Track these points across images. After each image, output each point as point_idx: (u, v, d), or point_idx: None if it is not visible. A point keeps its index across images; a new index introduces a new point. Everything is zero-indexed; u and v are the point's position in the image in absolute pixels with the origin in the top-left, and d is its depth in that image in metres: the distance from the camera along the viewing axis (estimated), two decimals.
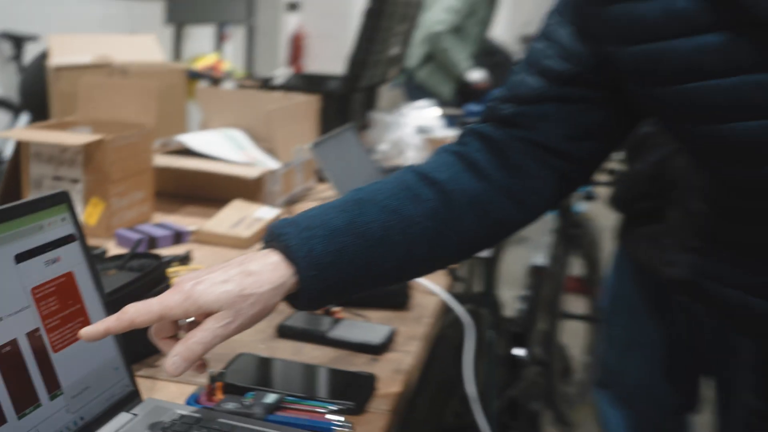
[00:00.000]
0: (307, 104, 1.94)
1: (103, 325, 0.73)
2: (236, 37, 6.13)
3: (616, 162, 1.81)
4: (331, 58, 6.84)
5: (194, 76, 3.45)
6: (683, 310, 1.71)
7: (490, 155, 0.88)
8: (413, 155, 2.12)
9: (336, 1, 7.21)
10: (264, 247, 0.82)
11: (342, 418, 0.83)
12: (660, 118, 0.86)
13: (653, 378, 1.83)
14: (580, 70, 0.85)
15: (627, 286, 1.85)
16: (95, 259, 0.89)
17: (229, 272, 0.76)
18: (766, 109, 0.74)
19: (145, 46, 2.05)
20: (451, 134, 2.37)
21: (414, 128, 2.28)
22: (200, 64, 4.64)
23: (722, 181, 0.88)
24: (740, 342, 1.04)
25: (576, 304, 2.94)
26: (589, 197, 2.57)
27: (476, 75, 4.04)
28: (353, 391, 0.90)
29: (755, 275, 0.88)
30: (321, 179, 1.91)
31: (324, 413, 0.83)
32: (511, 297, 2.49)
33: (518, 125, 0.87)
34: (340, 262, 0.81)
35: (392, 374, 0.98)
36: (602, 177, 1.94)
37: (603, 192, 2.03)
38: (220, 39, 5.57)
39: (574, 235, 2.64)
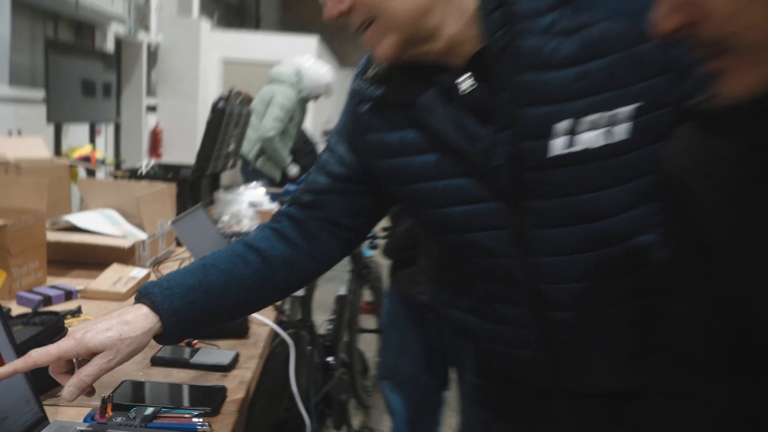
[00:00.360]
0: (167, 189, 1.91)
1: (11, 366, 0.71)
2: (107, 132, 5.80)
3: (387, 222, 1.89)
4: (182, 147, 6.71)
5: (74, 164, 3.25)
6: (434, 323, 1.79)
7: (296, 230, 0.90)
8: (247, 224, 2.11)
9: (185, 104, 7.05)
10: (136, 302, 0.82)
11: (202, 420, 0.83)
12: (402, 204, 0.91)
13: (418, 370, 1.91)
14: (353, 173, 0.89)
15: (397, 307, 1.90)
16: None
17: (110, 322, 0.77)
18: (464, 200, 0.80)
19: (33, 145, 1.93)
20: (274, 207, 2.35)
21: (248, 203, 2.26)
22: (78, 154, 4.35)
23: (440, 242, 0.93)
24: (464, 343, 1.07)
25: (368, 321, 2.97)
26: (374, 246, 2.68)
27: (294, 170, 4.16)
28: (210, 399, 0.90)
29: (467, 300, 0.90)
30: (179, 244, 1.87)
31: (190, 417, 0.84)
32: (323, 320, 2.48)
33: (314, 208, 0.90)
34: (193, 311, 0.83)
35: (238, 385, 0.99)
36: (381, 233, 2.01)
37: (381, 243, 2.11)
38: (94, 133, 5.23)
39: (364, 274, 2.67)
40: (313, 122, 7.21)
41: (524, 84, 0.71)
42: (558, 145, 0.72)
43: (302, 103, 4.17)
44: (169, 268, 1.62)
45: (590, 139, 0.72)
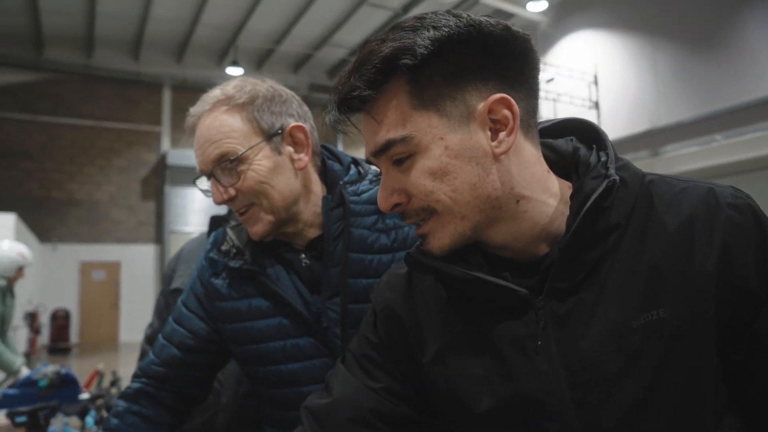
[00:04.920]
0: None
1: None
2: None
3: None
4: None
5: None
6: None
7: (156, 407, 1.05)
8: None
9: None
10: None
11: None
12: (238, 362, 1.05)
13: None
14: (203, 343, 1.04)
15: None
16: None
17: None
18: (300, 357, 0.97)
19: None
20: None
21: None
22: None
23: (273, 400, 1.02)
24: None
25: None
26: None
27: (24, 371, 3.68)
28: None
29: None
30: None
31: None
32: None
33: (168, 382, 1.04)
34: None
35: None
36: None
37: None
38: None
39: None
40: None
41: (353, 261, 0.95)
42: None
43: (6, 290, 3.93)
44: None
45: None
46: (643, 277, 0.64)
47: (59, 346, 10.83)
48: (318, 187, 1.01)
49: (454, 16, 0.65)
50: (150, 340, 1.51)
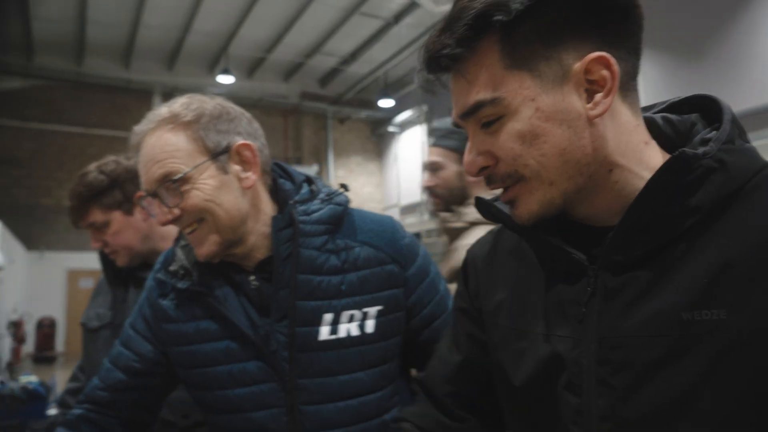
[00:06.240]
0: None
1: None
2: None
3: None
4: None
5: None
6: None
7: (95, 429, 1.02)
8: None
9: None
10: None
11: None
12: (186, 387, 1.02)
13: None
14: (149, 367, 1.01)
15: None
16: None
17: None
18: (247, 382, 0.94)
19: None
20: None
21: None
22: None
23: (220, 425, 0.99)
24: None
25: None
26: None
27: None
28: None
29: None
30: None
31: None
32: None
33: (111, 407, 1.02)
34: None
35: None
36: None
37: None
38: None
39: None
40: None
41: (302, 282, 0.94)
42: (324, 332, 0.93)
43: None
44: None
45: (348, 329, 0.94)
46: (712, 270, 0.58)
47: (44, 355, 10.69)
48: (268, 207, 1.01)
49: None
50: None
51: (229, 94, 12.43)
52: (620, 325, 0.61)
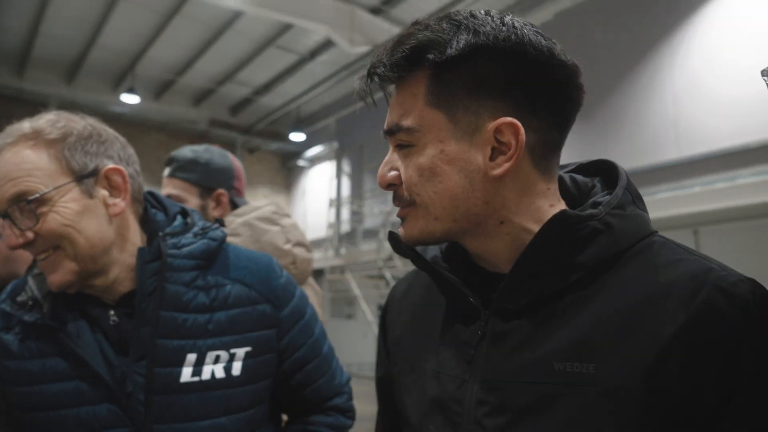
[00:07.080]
0: None
1: None
2: None
3: None
4: None
5: None
6: None
7: None
8: None
9: None
10: None
11: None
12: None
13: None
14: None
15: None
16: None
17: None
18: (97, 427, 0.86)
19: None
20: None
21: None
22: None
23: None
24: None
25: None
26: None
27: None
28: None
29: None
30: None
31: None
32: None
33: None
34: None
35: None
36: None
37: None
38: None
39: None
40: None
41: (165, 320, 0.88)
42: (187, 373, 0.88)
43: None
44: None
45: (213, 370, 0.89)
46: (586, 325, 0.62)
47: None
48: (136, 237, 0.95)
49: (504, 24, 0.64)
50: None
51: (134, 114, 11.94)
52: (502, 369, 0.64)
